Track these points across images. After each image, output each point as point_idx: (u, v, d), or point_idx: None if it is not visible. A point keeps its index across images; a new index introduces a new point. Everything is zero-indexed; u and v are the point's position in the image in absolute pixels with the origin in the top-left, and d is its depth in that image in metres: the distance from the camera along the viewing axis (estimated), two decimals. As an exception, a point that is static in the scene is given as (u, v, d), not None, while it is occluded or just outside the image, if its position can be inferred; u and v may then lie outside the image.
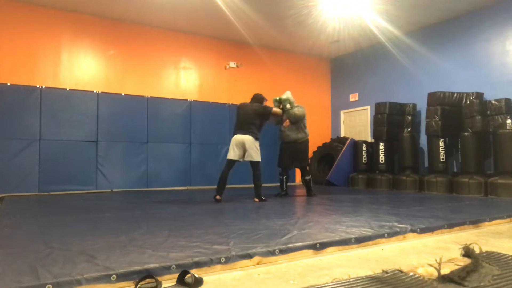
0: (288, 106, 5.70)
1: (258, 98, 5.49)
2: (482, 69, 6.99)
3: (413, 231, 2.94)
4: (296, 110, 5.73)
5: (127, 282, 1.78)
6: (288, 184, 6.14)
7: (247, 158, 5.20)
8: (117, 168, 7.19)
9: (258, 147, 5.23)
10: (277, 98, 5.81)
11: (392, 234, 2.82)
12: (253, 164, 5.20)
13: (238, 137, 5.17)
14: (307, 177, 5.94)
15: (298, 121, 5.78)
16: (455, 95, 6.92)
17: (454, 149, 7.16)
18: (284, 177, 5.98)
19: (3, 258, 2.11)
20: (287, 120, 5.81)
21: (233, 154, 5.16)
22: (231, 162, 5.21)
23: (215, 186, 5.24)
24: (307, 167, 6.10)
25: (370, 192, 7.05)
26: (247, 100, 5.61)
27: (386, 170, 7.82)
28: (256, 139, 5.20)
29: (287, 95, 5.84)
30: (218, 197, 5.11)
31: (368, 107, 9.23)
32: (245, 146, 5.14)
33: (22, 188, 6.31)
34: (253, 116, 5.25)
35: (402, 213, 3.84)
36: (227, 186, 5.23)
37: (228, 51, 8.76)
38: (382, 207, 4.60)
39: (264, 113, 5.37)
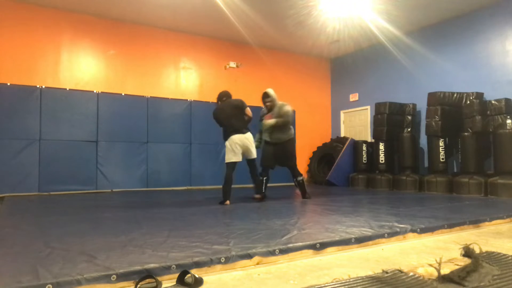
0: (268, 130, 5.34)
1: (228, 94, 5.34)
2: (482, 69, 6.98)
3: (413, 231, 2.94)
4: (280, 121, 5.25)
5: (127, 282, 1.78)
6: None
7: (248, 157, 5.10)
8: (117, 168, 7.19)
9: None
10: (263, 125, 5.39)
11: (392, 234, 2.82)
12: (254, 161, 5.16)
13: (237, 138, 4.99)
14: (300, 178, 5.44)
15: (286, 124, 5.35)
16: (455, 95, 6.92)
17: (454, 149, 7.16)
18: (265, 178, 5.42)
19: (3, 258, 2.11)
20: (269, 115, 5.37)
21: (235, 156, 4.99)
22: (234, 164, 5.04)
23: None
24: (296, 167, 5.55)
25: (370, 192, 7.04)
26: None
27: (386, 170, 7.82)
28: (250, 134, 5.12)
29: (269, 92, 5.35)
30: (228, 202, 4.89)
31: (368, 107, 9.23)
32: (246, 145, 5.03)
33: (22, 188, 6.31)
34: (236, 111, 5.07)
35: (402, 213, 3.84)
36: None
37: (228, 51, 8.76)
38: (382, 207, 4.60)
39: (243, 107, 5.14)
